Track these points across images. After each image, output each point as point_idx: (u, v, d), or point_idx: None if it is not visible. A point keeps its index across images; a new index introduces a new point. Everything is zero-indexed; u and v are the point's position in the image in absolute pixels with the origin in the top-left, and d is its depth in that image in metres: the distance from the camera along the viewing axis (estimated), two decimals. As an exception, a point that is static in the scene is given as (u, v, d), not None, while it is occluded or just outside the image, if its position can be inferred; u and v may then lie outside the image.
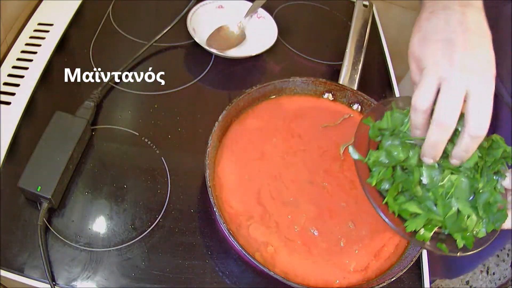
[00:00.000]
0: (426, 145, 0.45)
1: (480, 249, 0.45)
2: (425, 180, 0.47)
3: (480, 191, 0.47)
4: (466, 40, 0.43)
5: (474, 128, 0.42)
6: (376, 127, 0.50)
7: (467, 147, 0.44)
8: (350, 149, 0.49)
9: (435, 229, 0.46)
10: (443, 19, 0.45)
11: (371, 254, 0.55)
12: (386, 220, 0.45)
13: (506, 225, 0.47)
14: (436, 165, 0.47)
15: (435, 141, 0.44)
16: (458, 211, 0.46)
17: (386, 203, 0.47)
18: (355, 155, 0.49)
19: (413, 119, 0.45)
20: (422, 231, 0.46)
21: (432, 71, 0.43)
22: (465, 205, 0.46)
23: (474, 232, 0.46)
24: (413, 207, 0.46)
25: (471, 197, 0.47)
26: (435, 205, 0.46)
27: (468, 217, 0.46)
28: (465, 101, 0.42)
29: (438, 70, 0.43)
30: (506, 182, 0.47)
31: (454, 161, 0.45)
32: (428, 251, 0.59)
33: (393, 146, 0.48)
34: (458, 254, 0.45)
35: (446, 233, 0.46)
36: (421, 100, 0.43)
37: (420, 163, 0.47)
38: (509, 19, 0.65)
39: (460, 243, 0.45)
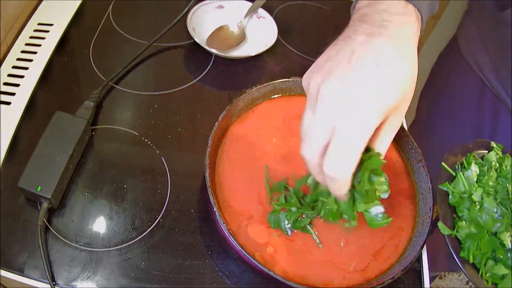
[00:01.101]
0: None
1: None
2: (509, 244, 0.48)
3: None
4: (346, 73, 0.38)
5: (326, 168, 0.39)
6: (455, 193, 0.51)
7: (324, 182, 0.42)
8: (440, 225, 0.49)
9: None
10: (337, 49, 0.40)
11: (371, 254, 0.55)
12: None
13: None
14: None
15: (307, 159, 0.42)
16: None
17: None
18: (445, 231, 0.49)
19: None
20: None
21: (307, 107, 0.40)
22: None
23: None
24: (502, 270, 0.47)
25: None
26: None
27: None
28: None
29: (310, 100, 0.40)
30: None
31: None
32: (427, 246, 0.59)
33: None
34: None
35: None
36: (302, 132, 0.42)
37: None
38: (509, 25, 0.65)
39: None
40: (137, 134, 0.64)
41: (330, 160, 0.39)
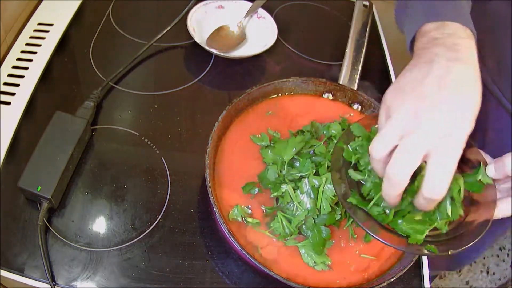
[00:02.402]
0: (382, 193, 0.43)
1: (472, 243, 0.45)
2: None
3: None
4: (439, 99, 0.40)
5: (427, 192, 0.40)
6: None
7: (422, 206, 0.43)
8: (351, 172, 0.49)
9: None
10: (422, 73, 0.42)
11: (371, 255, 0.55)
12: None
13: (505, 212, 0.46)
14: None
15: (386, 194, 0.42)
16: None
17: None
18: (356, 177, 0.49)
19: (372, 164, 0.44)
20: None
21: (396, 122, 0.41)
22: None
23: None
24: (418, 216, 0.47)
25: None
26: None
27: None
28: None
29: (402, 123, 0.41)
30: (491, 172, 0.46)
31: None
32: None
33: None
34: (450, 252, 0.45)
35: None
36: (376, 149, 0.42)
37: None
38: (509, 28, 0.65)
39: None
40: (137, 134, 0.64)
41: (437, 187, 0.40)
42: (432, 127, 0.40)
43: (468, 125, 0.40)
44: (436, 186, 0.40)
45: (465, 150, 0.41)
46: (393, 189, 0.41)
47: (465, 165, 0.49)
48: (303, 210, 0.53)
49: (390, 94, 0.44)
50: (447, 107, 0.40)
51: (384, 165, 0.42)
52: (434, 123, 0.40)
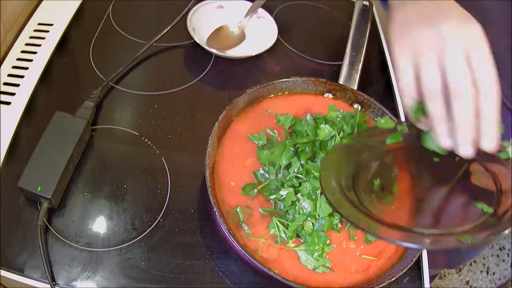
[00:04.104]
0: (459, 128, 0.42)
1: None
2: None
3: None
4: (445, 12, 0.43)
5: (485, 82, 0.41)
6: None
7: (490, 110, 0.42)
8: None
9: None
10: (417, 7, 0.45)
11: (372, 255, 0.55)
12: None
13: None
14: None
15: (465, 116, 0.41)
16: None
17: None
18: None
19: (433, 110, 0.43)
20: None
21: (425, 48, 0.43)
22: None
23: None
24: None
25: None
26: None
27: None
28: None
29: (432, 45, 0.42)
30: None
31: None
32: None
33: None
34: (491, 238, 0.42)
35: None
36: (429, 86, 0.42)
37: None
38: (502, 25, 0.65)
39: None
40: (137, 134, 0.64)
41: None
42: (455, 30, 0.42)
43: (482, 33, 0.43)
44: (488, 75, 0.41)
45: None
46: (466, 103, 0.41)
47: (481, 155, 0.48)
48: (302, 215, 0.53)
49: (398, 31, 0.46)
50: (455, 15, 0.43)
51: (443, 99, 0.42)
52: (453, 27, 0.42)
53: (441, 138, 0.44)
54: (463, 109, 0.41)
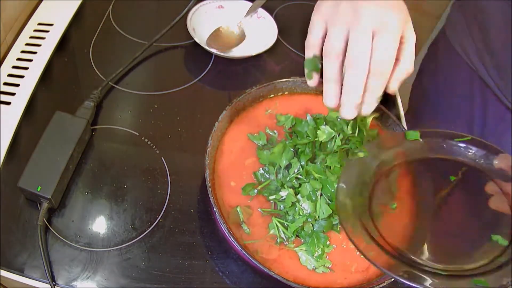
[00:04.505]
0: (346, 92, 0.47)
1: None
2: None
3: None
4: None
5: (375, 65, 0.45)
6: None
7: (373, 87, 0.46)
8: None
9: None
10: None
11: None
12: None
13: None
14: None
15: (354, 83, 0.46)
16: None
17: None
18: None
19: (327, 69, 0.48)
20: None
21: (339, 16, 0.46)
22: None
23: None
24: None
25: None
26: None
27: None
28: None
29: (346, 17, 0.46)
30: None
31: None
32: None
33: None
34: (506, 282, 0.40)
35: None
36: (332, 45, 0.46)
37: None
38: (488, 13, 0.65)
39: None
40: (137, 134, 0.64)
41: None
42: (367, 10, 0.45)
43: (403, 16, 0.46)
44: (384, 59, 0.45)
45: (495, 156, 0.41)
46: (358, 76, 0.45)
47: (496, 173, 0.48)
48: (302, 216, 0.53)
49: (320, 3, 0.49)
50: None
51: (340, 64, 0.47)
52: (372, 12, 0.45)
53: (327, 97, 0.49)
54: (354, 78, 0.46)
